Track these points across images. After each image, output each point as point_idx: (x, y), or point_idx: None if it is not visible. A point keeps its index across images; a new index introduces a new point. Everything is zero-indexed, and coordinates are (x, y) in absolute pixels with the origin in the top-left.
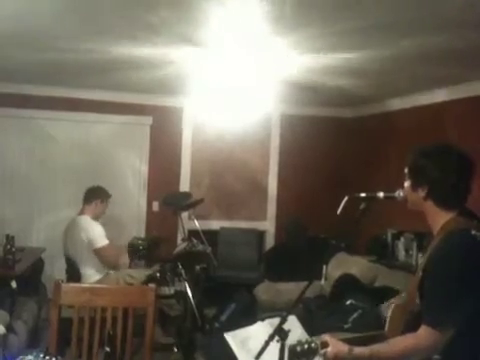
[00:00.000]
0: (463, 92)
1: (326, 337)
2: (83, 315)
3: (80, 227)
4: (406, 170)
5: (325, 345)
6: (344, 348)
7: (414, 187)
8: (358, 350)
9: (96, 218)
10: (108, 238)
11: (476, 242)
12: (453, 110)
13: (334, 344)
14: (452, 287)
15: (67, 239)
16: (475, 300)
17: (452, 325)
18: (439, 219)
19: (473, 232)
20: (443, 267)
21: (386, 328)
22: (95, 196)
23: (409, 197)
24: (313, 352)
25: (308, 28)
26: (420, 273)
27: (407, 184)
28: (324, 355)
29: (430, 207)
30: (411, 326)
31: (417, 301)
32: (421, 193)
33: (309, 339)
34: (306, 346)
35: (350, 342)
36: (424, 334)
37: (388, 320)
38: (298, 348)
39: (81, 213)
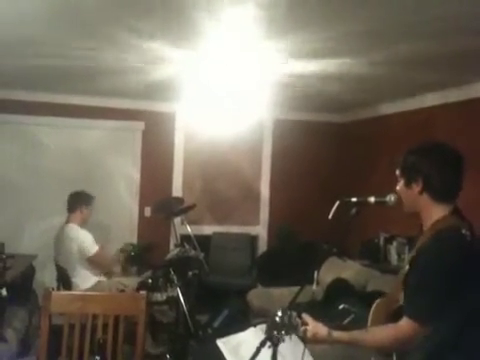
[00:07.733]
0: (454, 97)
1: (307, 317)
2: (74, 323)
3: (69, 237)
4: (398, 172)
5: (305, 323)
6: (323, 330)
7: (408, 184)
8: (337, 334)
9: (84, 224)
10: (99, 245)
11: (466, 242)
12: (444, 115)
13: (314, 325)
14: (437, 284)
15: (56, 248)
16: (459, 299)
17: (432, 321)
18: (433, 214)
19: (463, 231)
20: (431, 263)
21: (368, 322)
22: (79, 202)
23: (404, 197)
24: (293, 328)
25: (300, 33)
26: (406, 267)
27: (400, 185)
28: (304, 333)
29: (425, 201)
30: (392, 319)
31: (401, 295)
32: (416, 188)
33: (290, 313)
34: (286, 319)
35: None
36: (405, 326)
37: (371, 314)
38: (278, 319)
39: (68, 221)
